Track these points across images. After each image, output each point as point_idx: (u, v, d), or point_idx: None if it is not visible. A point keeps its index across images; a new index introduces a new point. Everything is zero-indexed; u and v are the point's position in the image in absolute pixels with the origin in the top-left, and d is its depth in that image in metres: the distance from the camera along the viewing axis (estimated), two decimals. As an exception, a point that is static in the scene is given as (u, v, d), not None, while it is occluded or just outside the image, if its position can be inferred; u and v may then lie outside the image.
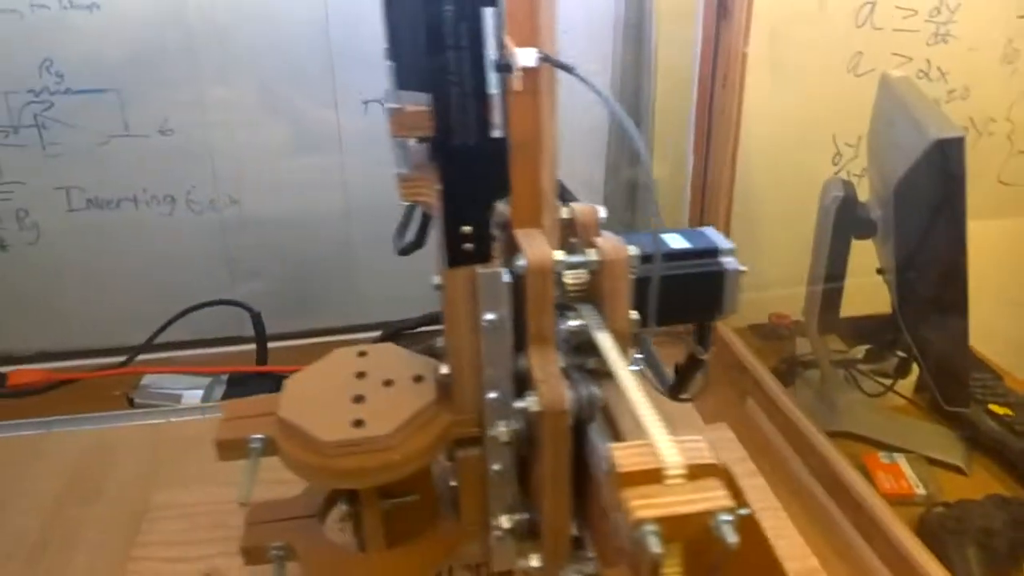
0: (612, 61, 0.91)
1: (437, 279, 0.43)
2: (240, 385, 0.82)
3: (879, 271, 0.75)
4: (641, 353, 0.42)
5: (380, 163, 0.90)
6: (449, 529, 0.49)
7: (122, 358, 0.87)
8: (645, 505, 0.28)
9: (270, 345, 0.88)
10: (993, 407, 0.75)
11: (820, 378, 0.81)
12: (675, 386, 0.51)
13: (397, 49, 0.40)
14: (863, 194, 0.76)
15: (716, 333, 0.78)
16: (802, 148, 0.93)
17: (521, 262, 0.38)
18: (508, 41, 0.36)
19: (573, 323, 0.39)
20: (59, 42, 0.80)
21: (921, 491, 0.68)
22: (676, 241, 0.48)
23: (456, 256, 0.39)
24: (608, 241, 0.40)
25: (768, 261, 0.88)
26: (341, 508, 0.51)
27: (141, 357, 0.86)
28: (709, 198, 0.87)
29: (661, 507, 0.28)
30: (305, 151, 0.90)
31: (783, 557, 0.37)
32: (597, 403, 0.37)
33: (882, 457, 0.72)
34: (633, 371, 0.35)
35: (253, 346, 0.87)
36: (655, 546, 0.27)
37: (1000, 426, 0.74)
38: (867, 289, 0.77)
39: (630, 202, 0.98)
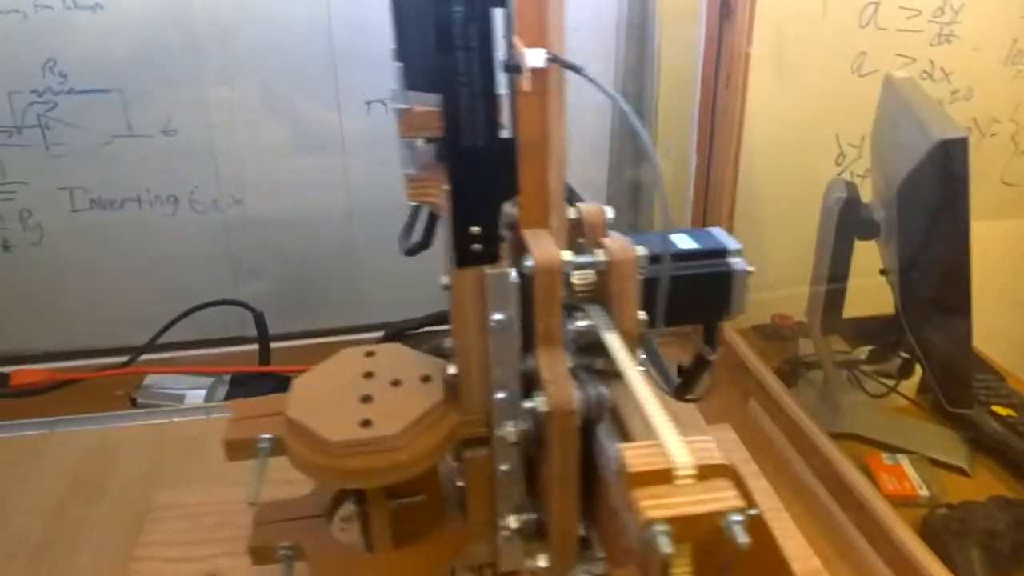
0: (615, 61, 0.91)
1: (445, 279, 0.43)
2: (242, 385, 0.83)
3: (882, 272, 0.75)
4: (645, 353, 0.42)
5: (383, 163, 0.91)
6: (456, 529, 0.49)
7: (125, 358, 0.87)
8: (656, 505, 0.28)
9: (273, 345, 0.88)
10: (996, 408, 0.75)
11: (823, 379, 0.81)
12: (681, 386, 0.51)
13: (405, 50, 0.40)
14: (866, 195, 0.76)
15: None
16: (805, 148, 0.93)
17: (529, 262, 0.38)
18: (517, 42, 0.37)
19: (581, 323, 0.39)
20: (63, 42, 0.80)
21: (924, 492, 0.67)
22: (684, 241, 0.48)
23: (465, 256, 0.39)
24: (616, 241, 0.40)
25: (771, 262, 0.88)
26: (349, 507, 0.51)
27: (144, 357, 0.86)
28: (712, 198, 0.87)
29: (672, 507, 0.28)
30: (308, 151, 0.90)
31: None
32: (606, 403, 0.37)
33: (885, 458, 0.71)
34: (641, 372, 0.35)
35: (256, 346, 0.87)
36: (666, 546, 0.27)
37: (1003, 427, 0.73)
38: (870, 290, 0.77)
39: (633, 202, 0.98)
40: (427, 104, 0.38)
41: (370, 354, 0.50)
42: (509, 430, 0.41)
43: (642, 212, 0.98)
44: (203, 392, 0.81)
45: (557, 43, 0.37)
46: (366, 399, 0.45)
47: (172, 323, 0.86)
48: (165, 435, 0.74)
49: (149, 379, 0.82)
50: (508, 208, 0.40)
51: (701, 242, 0.48)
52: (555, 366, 0.38)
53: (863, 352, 0.83)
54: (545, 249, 0.38)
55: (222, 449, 0.65)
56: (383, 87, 0.87)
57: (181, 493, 0.65)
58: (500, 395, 0.42)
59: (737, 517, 0.28)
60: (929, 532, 0.61)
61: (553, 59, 0.37)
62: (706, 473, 0.29)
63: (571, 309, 0.40)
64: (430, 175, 0.41)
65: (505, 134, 0.37)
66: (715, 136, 0.85)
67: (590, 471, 0.38)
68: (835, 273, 0.75)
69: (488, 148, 0.37)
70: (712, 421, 0.73)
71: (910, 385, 0.80)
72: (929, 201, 0.66)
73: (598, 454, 0.37)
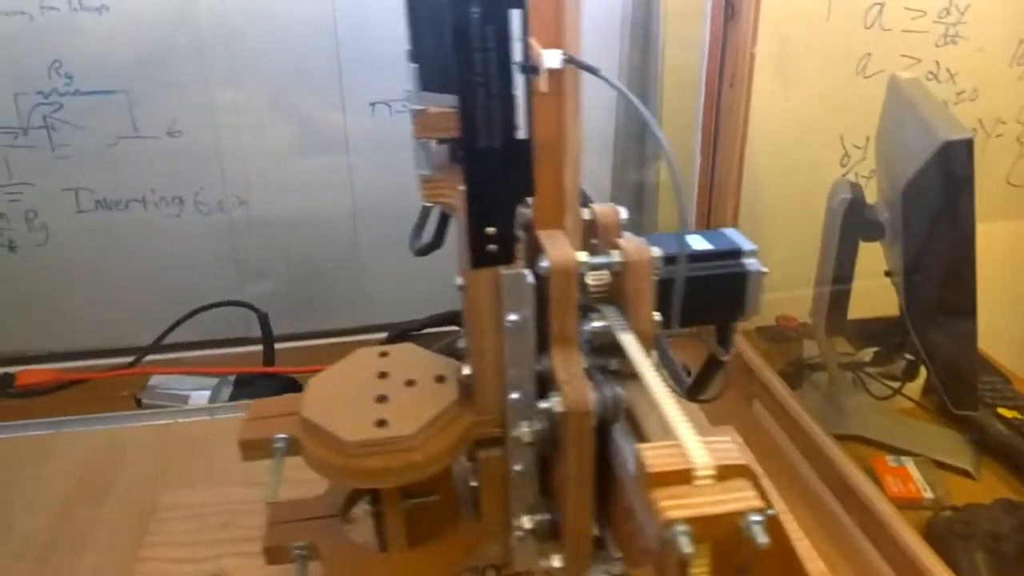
0: (619, 61, 0.91)
1: (459, 280, 0.43)
2: (247, 386, 0.83)
3: (887, 273, 0.75)
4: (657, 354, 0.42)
5: (387, 164, 0.91)
6: (470, 529, 0.49)
7: (130, 359, 0.87)
8: (676, 505, 0.28)
9: (277, 346, 0.88)
10: (1002, 410, 0.75)
11: (827, 381, 0.81)
12: (693, 387, 0.51)
13: (420, 51, 0.40)
14: (871, 196, 0.76)
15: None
16: (809, 149, 0.93)
17: (545, 263, 0.38)
18: (533, 43, 0.37)
19: (596, 324, 0.39)
20: (68, 44, 0.81)
21: (929, 495, 0.67)
22: (698, 242, 0.48)
23: (480, 257, 0.39)
24: (632, 242, 0.40)
25: (775, 263, 0.87)
26: (363, 507, 0.51)
27: (149, 358, 0.87)
28: (716, 199, 0.87)
29: (691, 507, 0.28)
30: (312, 152, 0.90)
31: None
32: (621, 404, 0.38)
33: (890, 460, 0.71)
34: (658, 373, 0.35)
35: (260, 347, 0.88)
36: (686, 546, 0.27)
37: (1009, 430, 0.73)
38: (875, 291, 0.77)
39: (637, 203, 0.98)
40: (442, 105, 0.38)
41: (384, 354, 0.50)
42: (524, 430, 0.41)
43: (646, 213, 0.98)
44: (207, 393, 0.81)
45: (573, 44, 0.37)
46: (381, 399, 0.46)
47: (177, 324, 0.87)
48: (170, 436, 0.75)
49: (154, 380, 0.83)
50: (522, 209, 0.40)
51: (715, 243, 0.48)
52: (570, 367, 0.39)
53: (868, 354, 0.83)
54: (561, 250, 0.38)
55: (226, 450, 0.65)
56: (387, 88, 0.88)
57: (186, 494, 0.65)
58: (515, 395, 0.42)
59: (757, 517, 0.28)
60: (934, 535, 0.61)
61: (569, 60, 0.37)
62: (725, 473, 0.29)
63: (585, 310, 0.40)
64: (444, 176, 0.41)
65: (521, 135, 0.38)
66: (719, 137, 0.85)
67: (604, 471, 0.38)
68: (839, 274, 0.75)
69: (504, 149, 0.37)
70: (716, 423, 0.73)
71: (915, 387, 0.80)
72: (934, 202, 0.66)
73: (614, 454, 0.37)
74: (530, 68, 0.37)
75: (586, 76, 0.39)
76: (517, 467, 0.43)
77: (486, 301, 0.41)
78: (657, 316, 0.40)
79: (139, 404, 0.81)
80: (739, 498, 0.28)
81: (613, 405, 0.38)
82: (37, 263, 0.89)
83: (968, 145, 0.62)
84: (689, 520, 0.28)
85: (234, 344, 0.92)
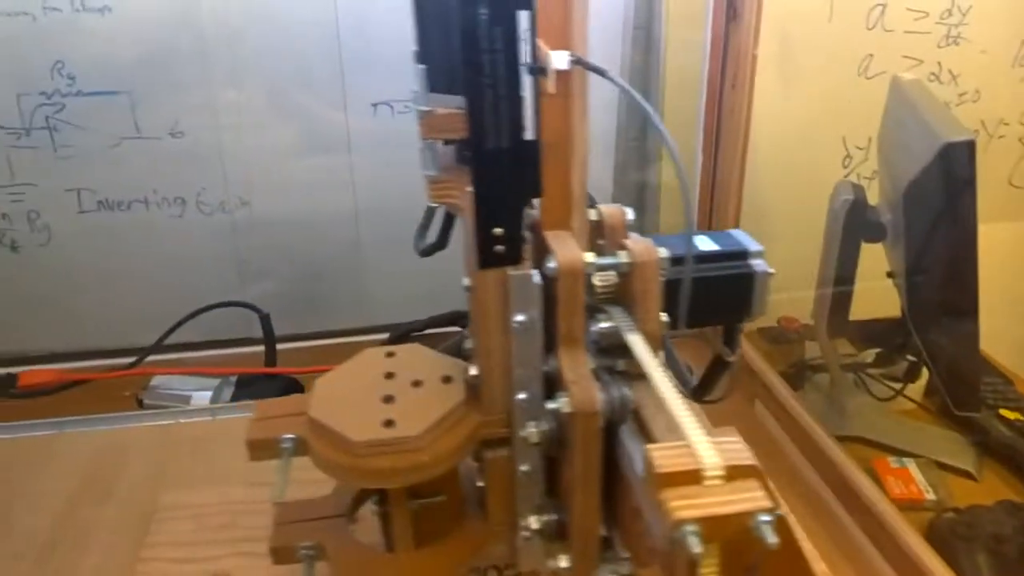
0: (621, 63, 0.91)
1: (466, 280, 0.43)
2: (248, 386, 0.83)
3: (889, 274, 0.75)
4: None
5: (389, 165, 0.91)
6: (476, 529, 0.49)
7: (132, 359, 0.87)
8: (685, 506, 0.28)
9: (279, 346, 0.88)
10: (1004, 412, 0.75)
11: (829, 382, 0.81)
12: (699, 388, 0.51)
13: (427, 52, 0.40)
14: (873, 197, 0.75)
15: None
16: (811, 150, 0.93)
17: (552, 264, 0.38)
18: (541, 44, 0.37)
19: (603, 325, 0.39)
20: (71, 44, 0.81)
21: (931, 496, 0.67)
22: (704, 243, 0.48)
23: (488, 258, 0.39)
24: (639, 243, 0.40)
25: (777, 264, 0.87)
26: (369, 507, 0.51)
27: (151, 358, 0.87)
28: (718, 200, 0.87)
29: (701, 507, 0.28)
30: (314, 153, 0.90)
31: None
32: (629, 405, 0.38)
33: (892, 462, 0.71)
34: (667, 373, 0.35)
35: (262, 347, 0.88)
36: (696, 546, 0.27)
37: (1011, 431, 0.73)
38: (877, 292, 0.77)
39: (639, 204, 0.98)
40: (449, 106, 0.38)
41: (391, 355, 0.50)
42: (531, 431, 0.41)
43: (648, 213, 0.98)
44: (209, 393, 0.81)
45: (580, 46, 0.37)
46: (388, 399, 0.46)
47: (179, 324, 0.87)
48: (171, 436, 0.75)
49: (156, 380, 0.83)
50: (528, 210, 0.40)
51: (722, 244, 0.48)
52: (578, 367, 0.39)
53: (869, 355, 0.83)
54: (568, 251, 0.39)
55: (227, 450, 0.65)
56: (389, 89, 0.88)
57: (187, 494, 0.65)
58: (521, 396, 0.42)
59: (766, 517, 0.28)
60: (936, 536, 0.61)
61: (577, 61, 0.37)
62: (734, 474, 0.29)
63: (591, 311, 0.40)
64: (451, 177, 0.41)
65: (529, 136, 0.38)
66: (721, 138, 0.85)
67: (611, 472, 0.39)
68: (841, 276, 0.75)
69: (512, 150, 0.37)
70: (717, 424, 0.73)
71: (917, 388, 0.80)
72: (936, 203, 0.66)
73: (621, 455, 0.37)
74: (538, 69, 0.37)
75: (589, 76, 0.39)
76: (524, 467, 0.43)
77: (493, 302, 0.41)
78: (664, 317, 0.40)
79: (141, 404, 0.81)
80: (749, 498, 0.29)
81: (620, 406, 0.38)
82: (39, 263, 0.89)
83: (970, 147, 0.62)
84: (699, 520, 0.28)
85: (236, 344, 0.92)
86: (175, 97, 0.85)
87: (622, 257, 0.40)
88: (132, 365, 0.86)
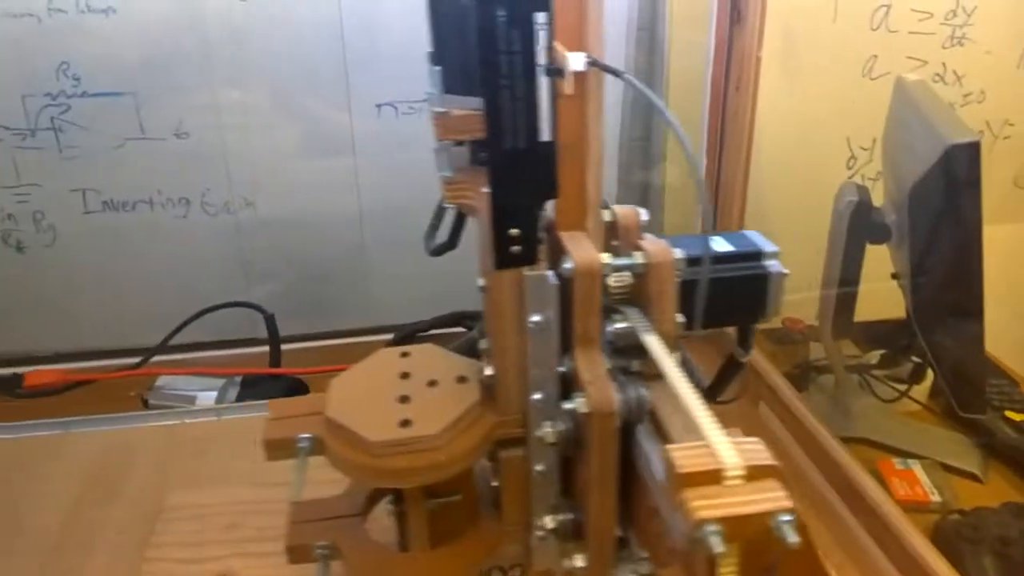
0: (624, 65, 0.91)
1: (482, 281, 0.43)
2: (253, 386, 0.83)
3: (894, 276, 0.75)
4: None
5: (393, 166, 0.91)
6: (491, 529, 0.49)
7: (137, 359, 0.87)
8: (707, 505, 0.28)
9: (283, 347, 0.88)
10: (1010, 414, 0.75)
11: (834, 383, 0.81)
12: (711, 388, 0.51)
13: (443, 53, 0.40)
14: (878, 199, 0.75)
15: (728, 337, 0.78)
16: (816, 151, 0.93)
17: (568, 264, 0.38)
18: (558, 45, 0.37)
19: (619, 325, 0.39)
20: (76, 45, 0.81)
21: (936, 498, 0.67)
22: (719, 244, 0.48)
23: (504, 258, 0.40)
24: (655, 244, 0.40)
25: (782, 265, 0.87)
26: (384, 507, 0.51)
27: (156, 358, 0.87)
28: (722, 202, 0.87)
29: (722, 507, 0.28)
30: (319, 154, 0.90)
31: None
32: (646, 405, 0.38)
33: (897, 463, 0.71)
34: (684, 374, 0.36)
35: (267, 348, 0.88)
36: (718, 546, 0.27)
37: (1017, 433, 0.73)
38: (881, 294, 0.76)
39: (643, 205, 0.97)
40: (465, 107, 0.38)
41: (405, 355, 0.51)
42: (547, 431, 0.41)
43: (651, 214, 0.98)
44: (214, 393, 0.81)
45: (596, 47, 0.38)
46: (404, 399, 0.46)
47: (184, 324, 0.87)
48: (177, 436, 0.75)
49: (161, 380, 0.83)
50: (545, 210, 0.40)
51: (737, 245, 0.48)
52: (594, 367, 0.39)
53: (874, 356, 0.82)
54: (584, 252, 0.39)
55: (233, 450, 0.65)
56: (393, 90, 0.88)
57: (192, 494, 0.65)
58: (537, 396, 0.42)
59: (787, 517, 0.28)
60: (941, 538, 0.61)
61: (593, 63, 0.37)
62: (755, 474, 0.29)
63: (606, 311, 0.40)
64: (466, 177, 0.41)
65: (545, 137, 0.38)
66: (725, 139, 0.85)
67: (627, 472, 0.39)
68: (846, 277, 0.75)
69: (529, 151, 0.37)
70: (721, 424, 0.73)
71: (922, 390, 0.80)
72: (941, 205, 0.65)
73: (637, 455, 0.37)
74: (555, 71, 0.37)
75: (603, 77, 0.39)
76: (539, 467, 0.43)
77: (509, 302, 0.42)
78: (680, 318, 0.40)
79: (146, 405, 0.81)
80: (770, 498, 0.29)
81: (637, 406, 0.38)
82: (45, 264, 0.89)
83: (975, 148, 0.62)
84: (720, 520, 0.28)
85: (241, 345, 0.92)
86: (180, 98, 0.85)
87: (637, 258, 0.40)
88: (137, 365, 0.87)
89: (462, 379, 0.47)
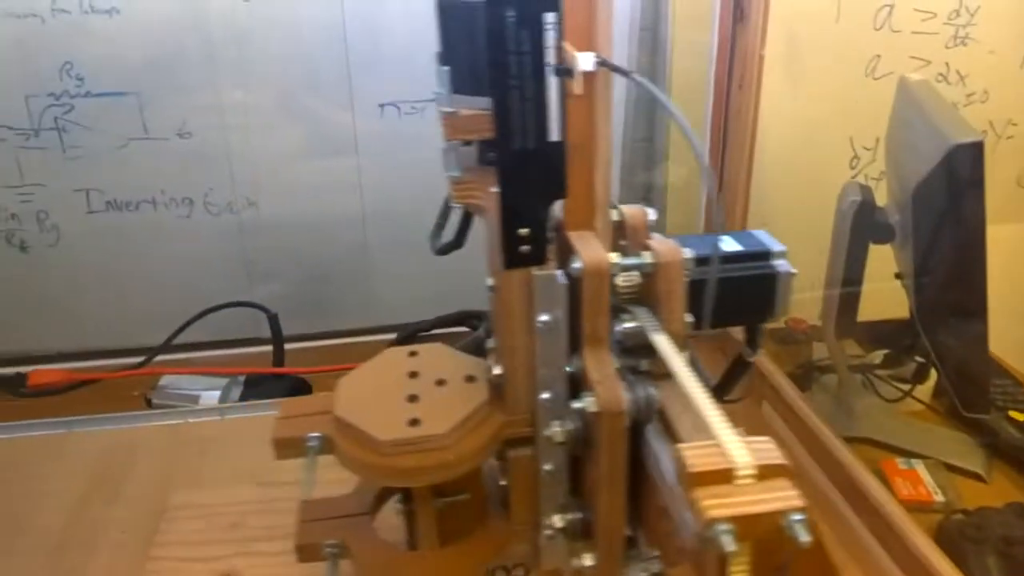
0: (627, 65, 0.91)
1: (490, 280, 0.43)
2: (257, 386, 0.83)
3: (897, 275, 0.74)
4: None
5: (396, 166, 0.91)
6: (499, 528, 0.49)
7: (140, 359, 0.87)
8: (718, 505, 0.28)
9: (287, 346, 0.88)
10: (1013, 414, 0.74)
11: (837, 383, 0.81)
12: (719, 388, 0.51)
13: (451, 54, 0.40)
14: (881, 198, 0.75)
15: (732, 338, 0.78)
16: (819, 151, 0.93)
17: (577, 264, 0.38)
18: (567, 46, 0.37)
19: (628, 325, 0.39)
20: (79, 46, 0.81)
21: (940, 498, 0.67)
22: (727, 244, 0.48)
23: (513, 258, 0.40)
24: (664, 244, 0.40)
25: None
26: (395, 506, 0.52)
27: (159, 358, 0.87)
28: (725, 201, 0.87)
29: (734, 506, 0.28)
30: (322, 154, 0.90)
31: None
32: (654, 404, 0.38)
33: (900, 463, 0.71)
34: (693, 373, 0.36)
35: (270, 347, 0.88)
36: (729, 545, 0.27)
37: (1020, 433, 0.73)
38: (885, 293, 0.76)
39: (645, 205, 0.98)
40: (473, 107, 0.38)
41: (413, 354, 0.51)
42: (556, 430, 0.41)
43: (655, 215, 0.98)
44: (218, 393, 0.81)
45: (605, 47, 0.38)
46: (412, 398, 0.46)
47: (187, 324, 0.87)
48: (180, 436, 0.75)
49: (164, 380, 0.83)
50: (553, 210, 0.40)
51: (745, 244, 0.48)
52: (603, 367, 0.39)
53: (877, 356, 0.82)
54: (593, 251, 0.39)
55: (236, 450, 0.65)
56: (396, 90, 0.88)
57: (196, 493, 0.65)
58: (545, 395, 0.42)
59: (798, 516, 0.28)
60: (945, 538, 0.61)
61: (602, 63, 0.37)
62: (766, 473, 0.29)
63: (614, 310, 0.40)
64: (474, 177, 0.41)
65: (554, 137, 0.38)
66: (728, 139, 0.85)
67: (636, 471, 0.39)
68: (849, 277, 0.75)
69: (538, 151, 0.37)
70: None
71: (925, 389, 0.80)
72: (944, 205, 0.65)
73: (646, 455, 0.38)
74: (564, 71, 0.37)
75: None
76: (547, 466, 0.44)
77: (518, 302, 0.42)
78: (689, 317, 0.40)
79: (149, 404, 0.81)
80: (781, 497, 0.29)
81: (646, 406, 0.38)
82: (48, 263, 0.89)
83: (978, 148, 0.62)
84: (732, 519, 0.28)
85: (244, 344, 0.92)
86: (183, 98, 0.85)
87: (646, 257, 0.40)
88: (141, 365, 0.87)
89: (470, 378, 0.47)
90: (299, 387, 0.84)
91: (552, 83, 0.37)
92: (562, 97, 0.38)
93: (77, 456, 0.72)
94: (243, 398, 0.81)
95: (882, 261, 0.75)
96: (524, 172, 0.38)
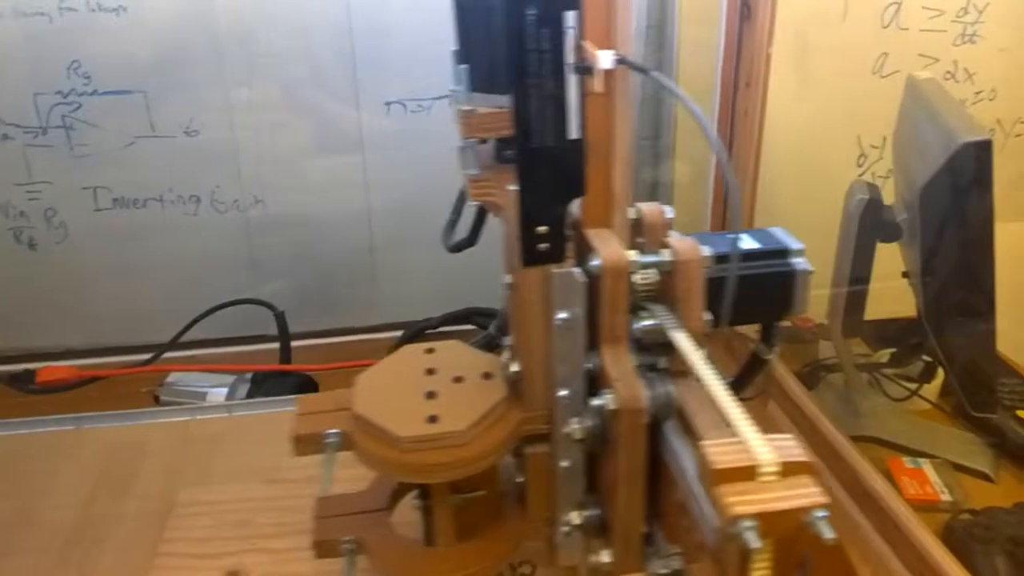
0: (634, 62, 0.91)
1: (507, 278, 0.44)
2: (263, 383, 0.83)
3: (904, 274, 0.74)
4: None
5: (402, 164, 0.91)
6: (516, 524, 0.49)
7: (148, 356, 0.88)
8: (742, 501, 0.28)
9: (293, 344, 0.89)
10: (1021, 413, 0.74)
11: (844, 382, 0.81)
12: (734, 385, 0.51)
13: (469, 52, 0.40)
14: (888, 196, 0.75)
15: (739, 337, 0.78)
16: (826, 150, 0.93)
17: (596, 262, 0.38)
18: (587, 44, 0.37)
19: (646, 322, 0.39)
20: (87, 44, 0.82)
21: (947, 497, 0.67)
22: (745, 241, 0.48)
23: (532, 256, 0.40)
24: (683, 241, 0.40)
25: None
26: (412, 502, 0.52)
27: (167, 355, 0.87)
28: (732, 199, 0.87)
29: (758, 503, 0.28)
30: (328, 152, 0.90)
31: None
32: (673, 402, 0.38)
33: (907, 462, 0.71)
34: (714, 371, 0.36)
35: (277, 345, 0.88)
36: (753, 541, 0.27)
37: (1028, 432, 0.73)
38: (892, 292, 0.76)
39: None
40: (491, 105, 0.38)
41: (430, 351, 0.51)
42: (574, 427, 0.41)
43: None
44: (225, 390, 0.82)
45: (624, 45, 0.38)
46: (431, 395, 0.46)
47: (194, 321, 0.87)
48: (188, 433, 0.75)
49: (172, 377, 0.83)
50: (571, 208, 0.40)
51: (763, 242, 0.48)
52: (621, 364, 0.39)
53: (884, 355, 0.82)
54: (612, 249, 0.39)
55: (243, 447, 0.65)
56: (403, 88, 0.88)
57: (204, 490, 0.65)
58: (563, 392, 0.42)
59: (821, 513, 0.28)
60: (952, 538, 0.61)
61: (621, 61, 0.37)
62: (789, 470, 0.29)
63: (632, 308, 0.40)
64: (491, 175, 0.41)
65: (573, 135, 0.38)
66: (735, 137, 0.85)
67: (654, 468, 0.39)
68: (857, 275, 0.75)
69: (557, 149, 0.38)
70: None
71: (932, 389, 0.79)
72: (952, 203, 0.65)
73: (665, 452, 0.38)
74: (584, 69, 0.37)
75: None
76: (564, 463, 0.44)
77: (535, 299, 0.42)
78: (707, 315, 0.40)
79: (157, 401, 0.82)
80: (805, 494, 0.29)
81: (665, 403, 0.38)
82: (56, 261, 0.90)
83: (986, 146, 0.62)
84: (756, 516, 0.28)
85: (251, 342, 0.92)
86: (190, 96, 0.85)
87: (665, 255, 0.40)
88: (148, 362, 0.87)
89: (487, 375, 0.48)
90: (306, 384, 0.84)
91: (572, 81, 0.37)
92: (581, 95, 0.38)
93: (85, 453, 0.72)
94: (250, 395, 0.82)
95: (889, 260, 0.75)
96: (543, 170, 0.38)
